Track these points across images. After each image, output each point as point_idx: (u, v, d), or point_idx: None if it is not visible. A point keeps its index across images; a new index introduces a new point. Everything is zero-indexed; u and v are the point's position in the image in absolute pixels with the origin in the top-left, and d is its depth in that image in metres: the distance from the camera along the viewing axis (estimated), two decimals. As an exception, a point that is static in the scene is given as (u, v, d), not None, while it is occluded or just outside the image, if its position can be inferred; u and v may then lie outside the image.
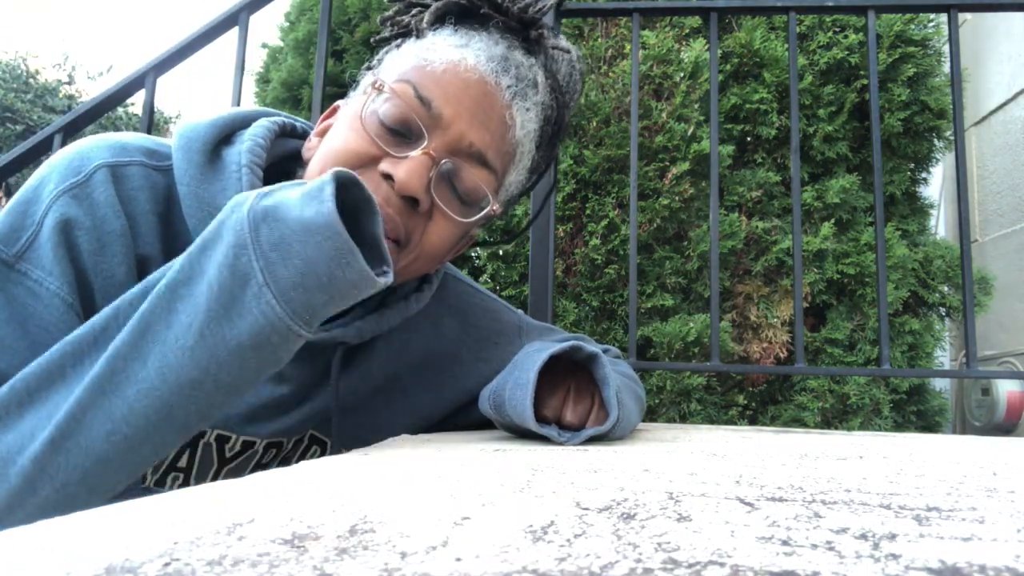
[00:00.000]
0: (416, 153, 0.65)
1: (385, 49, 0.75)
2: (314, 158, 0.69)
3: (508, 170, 0.73)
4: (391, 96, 0.66)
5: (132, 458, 0.51)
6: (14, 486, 0.50)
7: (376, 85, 0.67)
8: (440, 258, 0.73)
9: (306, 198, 0.50)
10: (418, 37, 0.72)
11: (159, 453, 0.53)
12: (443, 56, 0.68)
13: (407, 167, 0.64)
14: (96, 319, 0.53)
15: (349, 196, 0.54)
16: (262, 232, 0.50)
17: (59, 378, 0.51)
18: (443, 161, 0.67)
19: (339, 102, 0.75)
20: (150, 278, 0.54)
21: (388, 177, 0.64)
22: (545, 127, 0.76)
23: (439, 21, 0.73)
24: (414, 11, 0.74)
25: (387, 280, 0.54)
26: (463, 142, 0.67)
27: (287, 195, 0.52)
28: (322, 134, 0.73)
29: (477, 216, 0.71)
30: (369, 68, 0.75)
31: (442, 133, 0.66)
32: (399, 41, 0.75)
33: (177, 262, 0.52)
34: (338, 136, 0.68)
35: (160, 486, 0.70)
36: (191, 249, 0.52)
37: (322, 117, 0.75)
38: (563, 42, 0.77)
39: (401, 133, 0.66)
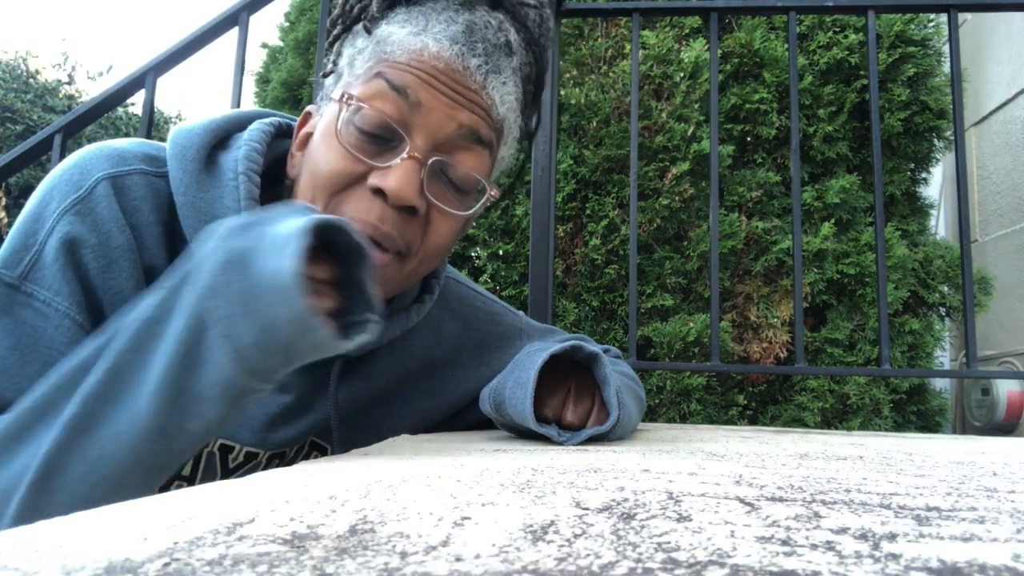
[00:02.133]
0: (401, 159, 0.62)
1: (339, 44, 0.71)
2: (302, 182, 0.66)
3: (499, 147, 0.71)
4: (362, 106, 0.63)
5: (114, 499, 0.51)
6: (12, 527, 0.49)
7: (345, 99, 0.64)
8: (443, 255, 0.72)
9: (279, 245, 0.47)
10: (370, 31, 0.67)
11: (140, 494, 0.52)
12: (403, 47, 0.64)
13: (396, 176, 0.61)
14: (88, 347, 0.51)
15: (338, 238, 0.51)
16: (231, 279, 0.47)
17: (52, 409, 0.50)
18: (431, 160, 0.64)
19: (310, 107, 0.72)
20: (138, 306, 0.51)
21: (379, 191, 0.62)
22: (527, 88, 0.73)
23: (387, 1, 0.68)
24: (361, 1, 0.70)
25: (364, 337, 0.51)
26: (451, 124, 0.64)
27: (267, 232, 0.48)
28: (301, 146, 0.70)
29: (476, 206, 0.69)
30: (327, 74, 0.71)
31: (424, 123, 0.63)
32: (351, 29, 0.70)
33: (157, 294, 0.50)
34: (320, 157, 0.65)
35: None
36: (172, 281, 0.50)
37: (296, 126, 0.72)
38: None
39: (382, 139, 0.63)
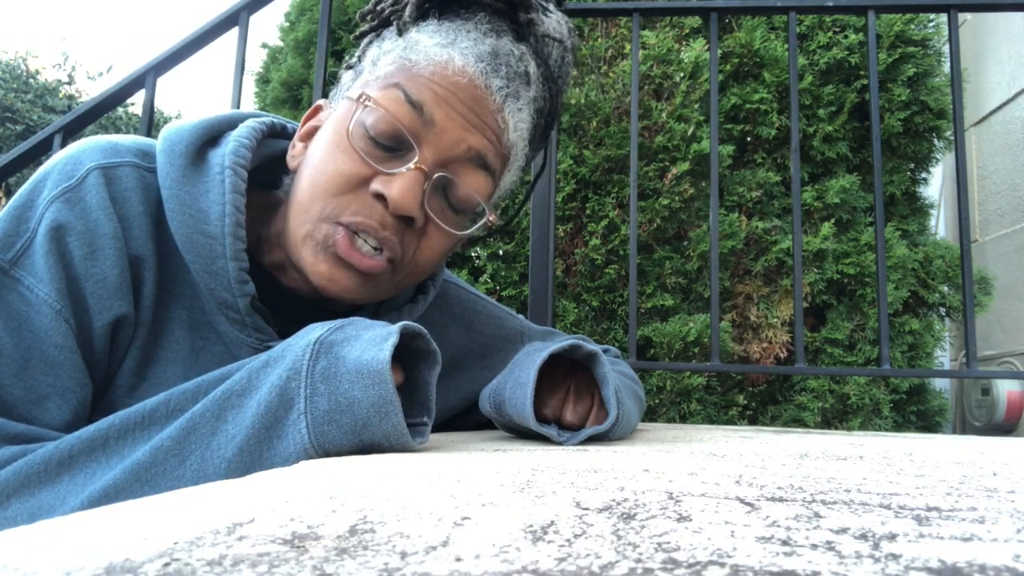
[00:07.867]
0: (407, 168, 0.63)
1: (366, 41, 0.73)
2: (303, 180, 0.66)
3: (503, 173, 0.72)
4: (378, 109, 0.63)
5: None
6: None
7: (362, 100, 0.64)
8: (431, 270, 0.72)
9: (369, 343, 0.52)
10: (400, 33, 0.68)
11: None
12: (428, 57, 0.65)
13: (399, 185, 0.62)
14: (149, 402, 0.55)
15: (415, 344, 0.57)
16: (319, 363, 0.52)
17: (100, 448, 0.53)
18: (436, 175, 0.65)
19: (321, 101, 0.73)
20: (206, 377, 0.55)
21: (380, 197, 0.63)
22: (538, 121, 0.74)
23: (421, 9, 0.69)
24: (393, 2, 0.71)
25: (421, 440, 0.56)
26: (461, 146, 0.65)
27: (356, 334, 0.54)
28: (306, 137, 0.70)
29: (473, 228, 0.70)
30: (350, 67, 0.72)
31: (435, 140, 0.64)
32: (379, 32, 0.72)
33: (238, 371, 0.54)
34: (326, 156, 0.65)
35: None
36: (254, 363, 0.54)
37: (304, 117, 0.73)
38: (554, 23, 0.73)
39: (391, 147, 0.64)
